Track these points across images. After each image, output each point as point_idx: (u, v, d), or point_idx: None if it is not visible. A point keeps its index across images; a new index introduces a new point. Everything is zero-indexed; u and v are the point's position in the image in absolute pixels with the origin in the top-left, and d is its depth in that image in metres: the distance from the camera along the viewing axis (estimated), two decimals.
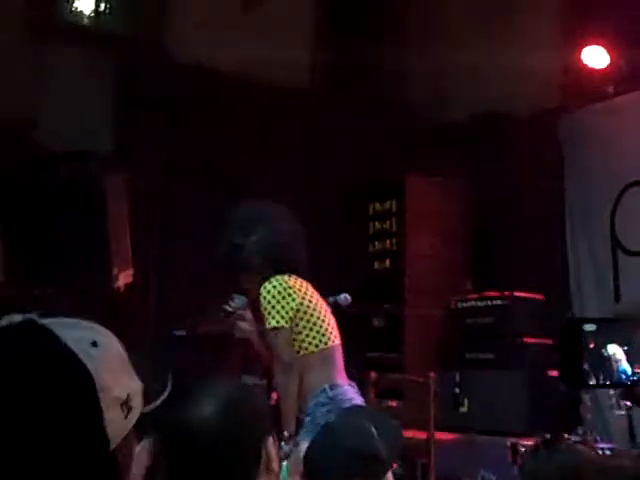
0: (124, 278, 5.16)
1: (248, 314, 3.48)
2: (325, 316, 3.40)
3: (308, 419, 3.25)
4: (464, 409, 5.04)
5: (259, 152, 6.05)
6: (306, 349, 3.33)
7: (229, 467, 1.73)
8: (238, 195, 5.86)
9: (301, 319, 3.32)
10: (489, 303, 5.62)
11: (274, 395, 4.43)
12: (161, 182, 5.78)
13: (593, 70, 5.84)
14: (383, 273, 6.30)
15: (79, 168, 5.18)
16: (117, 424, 1.16)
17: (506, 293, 5.57)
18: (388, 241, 6.31)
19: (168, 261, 5.74)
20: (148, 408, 1.35)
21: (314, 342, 3.34)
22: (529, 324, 5.43)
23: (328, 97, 6.33)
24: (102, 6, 6.09)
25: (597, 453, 2.48)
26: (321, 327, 3.35)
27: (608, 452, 4.11)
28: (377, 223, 6.39)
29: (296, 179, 6.17)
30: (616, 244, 5.77)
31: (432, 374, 4.55)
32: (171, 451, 1.78)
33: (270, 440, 1.82)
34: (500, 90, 6.24)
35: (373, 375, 4.83)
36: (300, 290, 3.35)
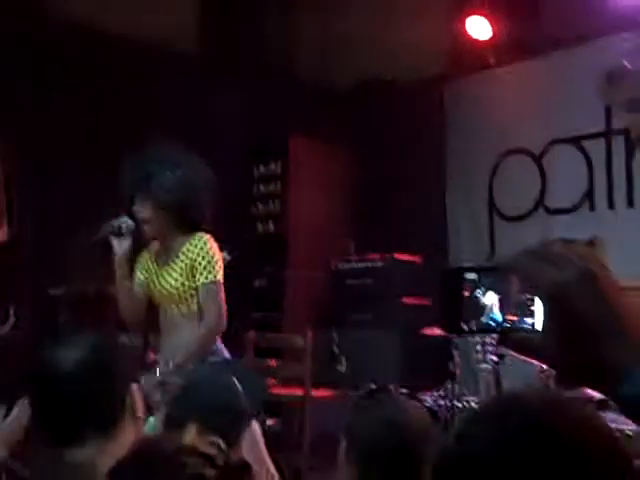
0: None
1: (128, 240, 3.39)
2: None
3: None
4: (342, 368, 5.12)
5: (143, 114, 5.94)
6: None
7: (92, 409, 1.73)
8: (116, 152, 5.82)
9: None
10: (369, 265, 5.72)
11: (151, 355, 4.37)
12: (36, 137, 5.60)
13: (476, 40, 5.97)
14: (266, 235, 6.30)
15: None
16: None
17: (386, 255, 5.67)
18: (271, 203, 6.31)
19: (44, 217, 5.58)
20: None
21: None
22: (408, 285, 5.55)
23: (214, 61, 6.26)
24: None
25: (422, 404, 2.44)
26: None
27: (473, 404, 4.28)
28: (261, 186, 6.39)
29: (181, 141, 6.08)
30: (493, 209, 5.95)
31: (310, 333, 4.59)
32: (38, 395, 1.77)
33: (135, 388, 1.83)
34: (386, 57, 6.30)
35: (252, 334, 4.84)
36: None
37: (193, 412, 2.11)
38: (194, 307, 3.38)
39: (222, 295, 3.36)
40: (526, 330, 0.98)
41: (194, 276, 3.35)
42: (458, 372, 4.43)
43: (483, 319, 1.07)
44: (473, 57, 6.09)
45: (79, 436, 1.71)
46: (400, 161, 6.27)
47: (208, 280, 3.33)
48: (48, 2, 5.66)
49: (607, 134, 5.43)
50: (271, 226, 6.29)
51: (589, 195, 5.51)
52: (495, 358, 4.30)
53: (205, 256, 3.34)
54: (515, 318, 1.01)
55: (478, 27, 5.96)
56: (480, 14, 5.94)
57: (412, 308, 5.41)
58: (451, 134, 6.26)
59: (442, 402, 4.29)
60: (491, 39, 5.95)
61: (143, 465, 1.58)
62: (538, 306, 0.97)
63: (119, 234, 3.36)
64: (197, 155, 3.51)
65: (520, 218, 5.75)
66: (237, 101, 6.20)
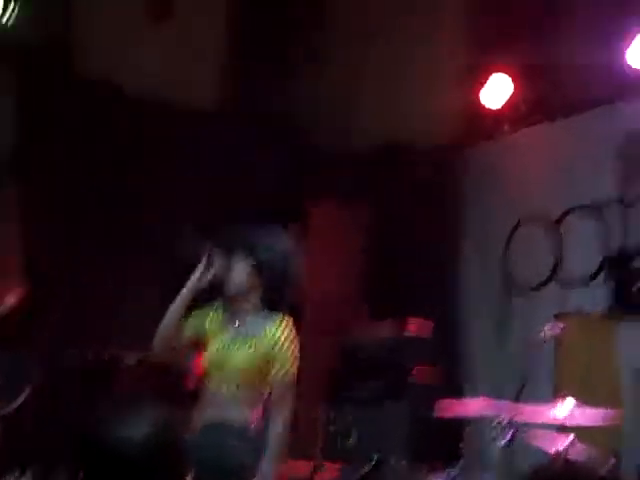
0: (10, 298, 4.99)
1: (208, 277, 3.33)
2: None
3: None
4: (352, 441, 5.05)
5: (163, 172, 5.97)
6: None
7: None
8: (141, 212, 5.82)
9: None
10: (380, 338, 5.67)
11: None
12: (63, 199, 5.64)
13: (490, 109, 5.98)
14: None
15: None
16: None
17: (397, 328, 5.61)
18: None
19: (71, 281, 5.57)
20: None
21: None
22: (418, 359, 5.50)
23: (234, 121, 6.30)
24: (4, 20, 5.94)
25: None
26: None
27: None
28: None
29: (198, 201, 6.10)
30: (508, 278, 5.88)
31: (322, 407, 4.55)
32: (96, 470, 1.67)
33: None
34: (404, 122, 6.30)
35: None
36: None
37: None
38: (244, 388, 3.27)
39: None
40: None
41: (268, 362, 3.27)
42: (469, 451, 4.35)
43: None
44: (487, 124, 6.11)
45: None
46: (415, 226, 6.23)
47: (287, 379, 3.27)
48: (76, 61, 5.76)
49: (624, 200, 5.31)
50: None
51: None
52: (508, 437, 4.21)
53: (289, 346, 3.27)
54: None
55: (493, 94, 5.96)
56: (499, 75, 5.92)
57: (422, 381, 5.36)
58: (468, 200, 6.22)
59: None
60: (505, 106, 5.95)
61: None
62: None
63: (209, 264, 3.31)
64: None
65: (536, 288, 5.67)
66: (254, 163, 6.23)
